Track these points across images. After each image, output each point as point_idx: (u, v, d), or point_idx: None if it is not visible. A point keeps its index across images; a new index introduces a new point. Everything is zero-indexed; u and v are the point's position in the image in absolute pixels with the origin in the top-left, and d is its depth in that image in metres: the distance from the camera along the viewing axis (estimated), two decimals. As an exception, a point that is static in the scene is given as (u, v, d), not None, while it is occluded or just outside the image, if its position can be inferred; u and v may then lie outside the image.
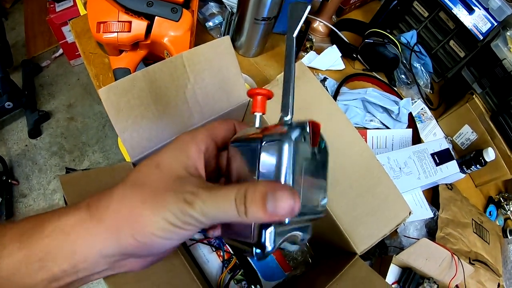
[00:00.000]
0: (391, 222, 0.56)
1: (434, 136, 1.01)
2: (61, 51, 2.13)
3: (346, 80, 0.98)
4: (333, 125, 0.56)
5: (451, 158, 0.87)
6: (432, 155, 0.85)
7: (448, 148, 0.87)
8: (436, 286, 0.74)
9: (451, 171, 0.85)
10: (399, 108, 0.91)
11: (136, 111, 0.50)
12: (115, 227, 0.28)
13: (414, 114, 1.01)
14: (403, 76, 1.06)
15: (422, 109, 1.03)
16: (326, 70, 1.00)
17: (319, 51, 1.00)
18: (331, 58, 0.99)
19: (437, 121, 1.05)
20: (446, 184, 0.91)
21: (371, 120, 0.95)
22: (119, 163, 0.50)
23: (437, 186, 0.90)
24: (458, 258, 0.72)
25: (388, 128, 0.96)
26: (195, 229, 0.29)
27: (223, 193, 0.26)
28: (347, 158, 0.55)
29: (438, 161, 0.85)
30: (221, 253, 0.64)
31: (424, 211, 0.84)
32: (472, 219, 0.88)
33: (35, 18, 2.26)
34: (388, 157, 0.80)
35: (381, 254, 0.80)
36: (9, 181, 1.72)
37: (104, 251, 0.28)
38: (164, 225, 0.27)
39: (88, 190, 0.46)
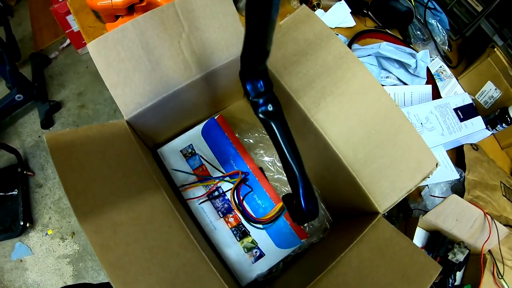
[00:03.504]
0: (416, 174, 0.50)
1: (455, 95, 0.94)
2: (68, 41, 2.11)
3: (357, 36, 0.92)
4: (343, 68, 0.51)
5: (476, 114, 0.80)
6: (455, 110, 0.79)
7: (472, 103, 0.81)
8: (467, 251, 0.67)
9: (476, 127, 0.79)
10: (416, 61, 0.85)
11: (127, 64, 0.47)
12: None
13: (432, 72, 0.94)
14: (418, 32, 0.99)
15: (441, 67, 0.96)
16: (336, 27, 0.94)
17: (326, 9, 0.94)
18: (340, 15, 0.93)
19: (457, 79, 0.98)
20: (471, 144, 0.85)
21: (387, 77, 0.89)
22: (112, 121, 0.46)
23: (462, 146, 0.84)
24: (492, 218, 0.66)
25: (405, 84, 0.89)
26: None
27: None
28: (363, 103, 0.50)
29: (462, 117, 0.79)
30: (229, 220, 0.59)
31: (450, 172, 0.78)
32: (501, 181, 0.82)
33: (40, 11, 2.26)
34: (408, 112, 0.74)
35: (405, 218, 0.74)
36: (25, 172, 1.73)
37: None
38: None
39: (76, 147, 0.42)
